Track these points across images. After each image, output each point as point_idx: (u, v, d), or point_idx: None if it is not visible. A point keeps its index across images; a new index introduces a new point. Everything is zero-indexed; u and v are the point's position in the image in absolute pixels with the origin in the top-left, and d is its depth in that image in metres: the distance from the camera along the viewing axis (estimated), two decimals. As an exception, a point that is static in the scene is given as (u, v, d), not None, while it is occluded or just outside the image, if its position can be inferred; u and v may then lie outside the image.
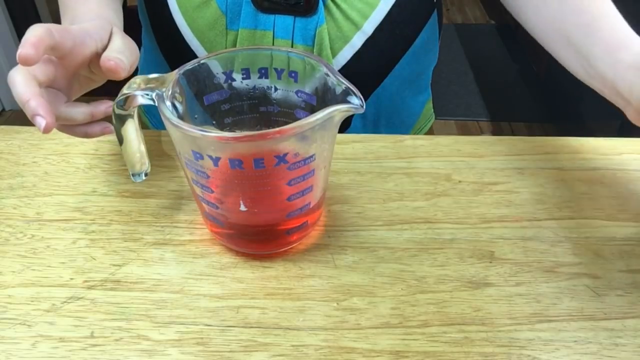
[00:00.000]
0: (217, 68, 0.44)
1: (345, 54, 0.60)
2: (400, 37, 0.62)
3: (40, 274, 0.43)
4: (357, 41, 0.60)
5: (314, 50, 0.59)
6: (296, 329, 0.39)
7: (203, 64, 0.44)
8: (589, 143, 0.56)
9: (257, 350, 0.38)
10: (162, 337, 0.39)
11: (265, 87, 0.45)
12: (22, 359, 0.37)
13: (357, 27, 0.59)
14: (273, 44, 0.59)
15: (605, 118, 1.64)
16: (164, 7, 0.61)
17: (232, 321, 0.40)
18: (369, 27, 0.59)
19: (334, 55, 0.60)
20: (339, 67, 0.61)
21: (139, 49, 0.76)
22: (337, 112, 0.37)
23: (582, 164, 0.53)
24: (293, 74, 0.44)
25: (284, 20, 0.57)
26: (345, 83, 0.39)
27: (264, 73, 0.45)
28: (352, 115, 0.67)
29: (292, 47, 0.59)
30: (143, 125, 0.78)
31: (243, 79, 0.45)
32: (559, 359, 0.37)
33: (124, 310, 0.40)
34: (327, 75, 0.41)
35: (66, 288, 0.42)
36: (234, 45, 0.59)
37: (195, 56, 0.61)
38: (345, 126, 0.67)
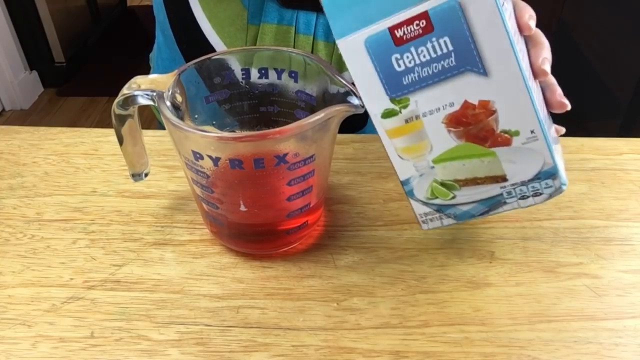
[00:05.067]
0: (217, 68, 0.44)
1: None
2: None
3: (40, 274, 0.43)
4: None
5: (334, 47, 0.59)
6: (296, 329, 0.39)
7: (203, 64, 0.44)
8: (589, 143, 0.56)
9: (257, 351, 0.38)
10: (162, 337, 0.39)
11: (266, 87, 0.45)
12: (22, 359, 0.37)
13: None
14: (295, 40, 0.59)
15: (605, 118, 1.63)
16: (183, 1, 0.61)
17: (232, 321, 0.40)
18: None
19: None
20: None
21: (152, 46, 0.76)
22: (337, 112, 0.37)
23: (582, 164, 0.53)
24: (293, 74, 0.44)
25: (306, 16, 0.58)
26: (346, 83, 0.39)
27: (264, 73, 0.45)
28: (367, 114, 0.67)
29: (313, 42, 0.59)
30: (159, 126, 0.78)
31: (243, 79, 0.45)
32: (559, 359, 0.37)
33: (124, 310, 0.40)
34: (327, 75, 0.41)
35: (66, 288, 0.42)
36: (254, 40, 0.60)
37: (213, 51, 0.61)
38: (361, 125, 0.67)
